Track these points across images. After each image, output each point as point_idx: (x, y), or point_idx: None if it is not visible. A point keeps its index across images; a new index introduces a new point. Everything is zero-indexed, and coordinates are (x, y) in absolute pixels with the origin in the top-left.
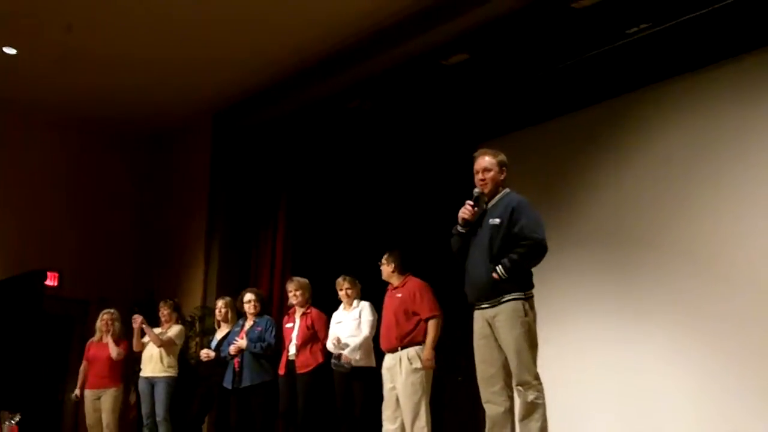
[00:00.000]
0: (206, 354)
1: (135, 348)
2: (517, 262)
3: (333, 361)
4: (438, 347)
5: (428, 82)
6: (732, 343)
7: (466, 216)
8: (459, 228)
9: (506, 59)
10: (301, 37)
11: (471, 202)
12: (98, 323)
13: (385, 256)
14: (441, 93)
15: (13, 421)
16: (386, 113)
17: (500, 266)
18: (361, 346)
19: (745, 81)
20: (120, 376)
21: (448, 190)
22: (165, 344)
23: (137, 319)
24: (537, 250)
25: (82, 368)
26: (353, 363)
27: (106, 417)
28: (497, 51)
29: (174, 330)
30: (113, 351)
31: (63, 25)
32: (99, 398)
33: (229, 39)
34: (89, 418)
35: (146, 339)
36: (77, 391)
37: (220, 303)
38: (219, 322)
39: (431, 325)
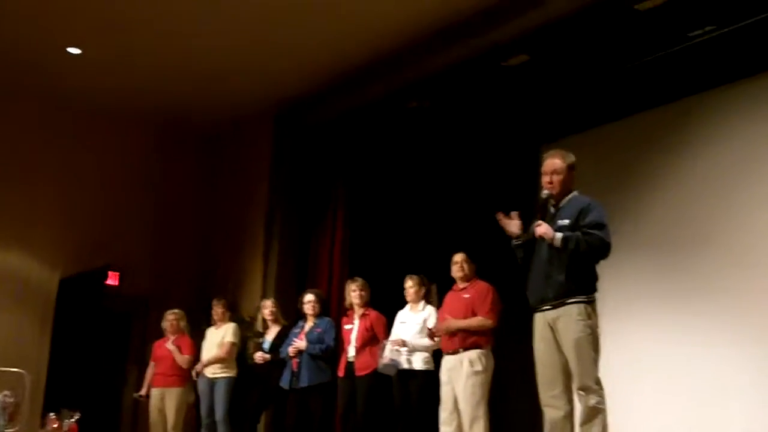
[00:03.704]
0: (261, 357)
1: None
2: (579, 244)
3: (381, 361)
4: (495, 350)
5: (489, 83)
6: None
7: (512, 230)
8: (513, 242)
9: (567, 61)
10: (360, 37)
11: (515, 213)
12: (163, 323)
13: (465, 257)
14: (501, 94)
15: (72, 419)
16: (446, 113)
17: (563, 235)
18: (425, 351)
19: None
20: (187, 376)
21: (508, 191)
22: (230, 351)
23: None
24: (602, 248)
25: (149, 368)
26: (415, 366)
27: (171, 416)
28: (558, 53)
29: (230, 332)
30: (181, 360)
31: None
32: (163, 397)
33: (290, 39)
34: (152, 417)
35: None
36: (144, 391)
37: (269, 303)
38: (268, 322)
39: (480, 320)
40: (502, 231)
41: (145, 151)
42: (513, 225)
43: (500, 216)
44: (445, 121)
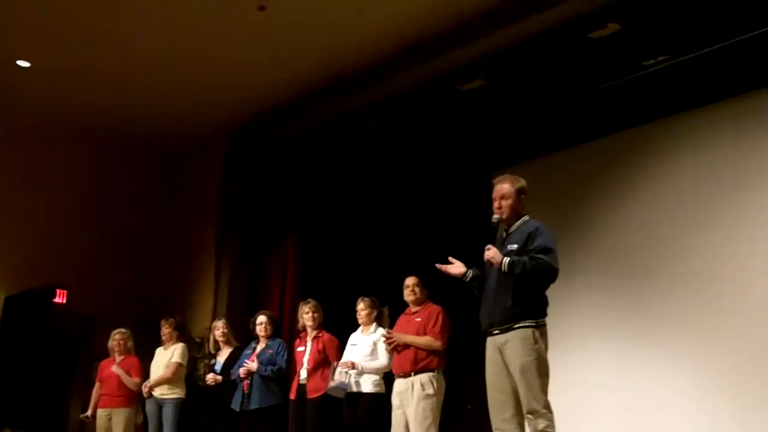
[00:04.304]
0: (213, 378)
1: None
2: (525, 268)
3: (330, 384)
4: (447, 373)
5: (445, 107)
6: (741, 369)
7: (456, 271)
8: (465, 281)
9: (523, 87)
10: (315, 58)
11: (451, 258)
12: (110, 343)
13: (417, 280)
14: (458, 118)
15: None
16: (402, 136)
17: (510, 259)
18: (375, 373)
19: (763, 114)
20: (134, 396)
21: (463, 214)
22: (176, 371)
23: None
24: (548, 273)
25: (95, 389)
26: (363, 389)
27: None
28: (514, 78)
29: (177, 353)
30: (129, 382)
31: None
32: (110, 418)
33: (245, 59)
34: None
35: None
36: (90, 412)
37: (220, 324)
38: (220, 343)
39: (429, 339)
40: (455, 254)
41: (94, 166)
42: (455, 268)
43: (439, 266)
44: (400, 145)
